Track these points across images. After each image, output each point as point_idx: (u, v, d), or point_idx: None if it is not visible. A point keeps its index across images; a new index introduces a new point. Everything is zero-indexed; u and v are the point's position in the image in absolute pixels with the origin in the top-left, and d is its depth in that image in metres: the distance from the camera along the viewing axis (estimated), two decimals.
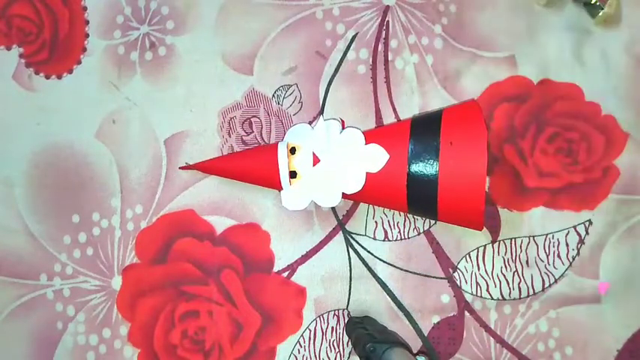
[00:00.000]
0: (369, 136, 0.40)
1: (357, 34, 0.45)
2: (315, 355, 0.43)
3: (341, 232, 0.44)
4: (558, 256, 0.43)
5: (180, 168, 0.45)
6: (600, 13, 0.43)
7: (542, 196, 0.43)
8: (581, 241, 0.43)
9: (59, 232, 0.45)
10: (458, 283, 0.43)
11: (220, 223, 0.44)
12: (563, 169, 0.44)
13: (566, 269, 0.43)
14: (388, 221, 0.44)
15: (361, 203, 0.44)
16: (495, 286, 0.43)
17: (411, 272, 0.44)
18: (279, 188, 0.41)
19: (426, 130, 0.39)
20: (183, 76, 0.46)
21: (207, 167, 0.43)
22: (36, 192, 0.45)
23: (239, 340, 0.44)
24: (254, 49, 0.45)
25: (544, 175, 0.44)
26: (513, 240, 0.43)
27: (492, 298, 0.43)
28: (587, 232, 0.43)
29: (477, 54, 0.45)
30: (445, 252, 0.44)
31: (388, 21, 0.45)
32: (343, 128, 0.42)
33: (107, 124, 0.46)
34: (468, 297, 0.43)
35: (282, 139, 0.43)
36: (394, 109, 0.45)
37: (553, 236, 0.43)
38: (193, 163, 0.44)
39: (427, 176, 0.37)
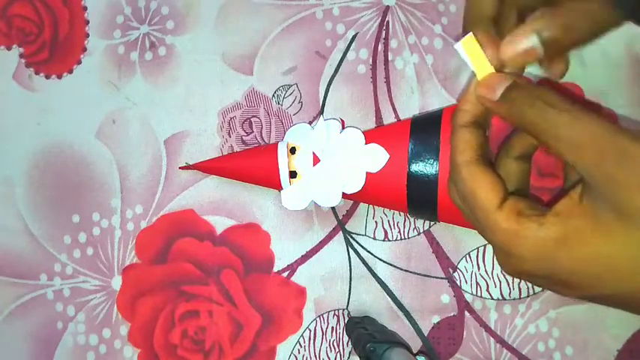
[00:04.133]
0: (369, 136, 0.40)
1: (357, 34, 0.45)
2: (315, 355, 0.43)
3: (341, 232, 0.44)
4: None
5: (180, 168, 0.45)
6: None
7: (542, 196, 0.43)
8: None
9: (59, 232, 0.45)
10: (458, 283, 0.43)
11: (220, 223, 0.45)
12: (563, 169, 0.43)
13: None
14: (388, 221, 0.44)
15: (361, 203, 0.44)
16: (495, 286, 0.43)
17: (411, 272, 0.44)
18: (279, 188, 0.41)
19: (426, 129, 0.39)
20: (183, 76, 0.46)
21: (207, 167, 0.43)
22: (36, 192, 0.45)
23: (239, 340, 0.44)
24: (254, 49, 0.45)
25: (544, 175, 0.44)
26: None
27: (492, 298, 0.43)
28: None
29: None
30: (445, 252, 0.44)
31: (388, 21, 0.45)
32: (343, 128, 0.42)
33: (107, 124, 0.46)
34: (468, 297, 0.43)
35: (282, 139, 0.43)
36: (394, 109, 0.45)
37: None
38: (193, 163, 0.44)
39: (427, 176, 0.37)
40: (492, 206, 0.27)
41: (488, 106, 0.28)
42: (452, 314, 0.43)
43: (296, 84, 0.45)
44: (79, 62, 0.46)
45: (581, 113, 0.25)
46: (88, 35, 0.46)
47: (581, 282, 0.25)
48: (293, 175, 0.41)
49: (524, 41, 0.27)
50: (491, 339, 0.43)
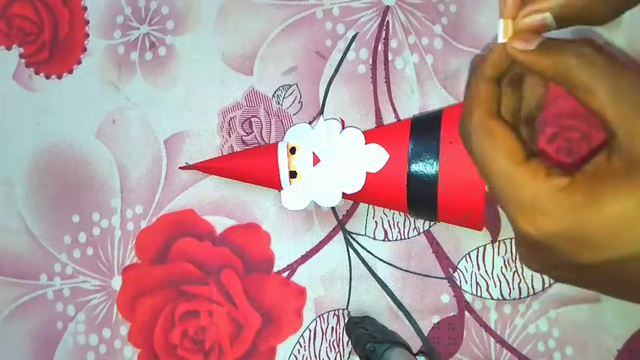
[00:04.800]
0: (369, 136, 0.40)
1: (357, 34, 0.45)
2: (315, 355, 0.43)
3: (341, 232, 0.44)
4: None
5: (180, 168, 0.45)
6: None
7: None
8: None
9: (59, 232, 0.45)
10: (458, 283, 0.43)
11: (220, 223, 0.45)
12: None
13: None
14: (388, 221, 0.44)
15: (361, 203, 0.44)
16: (495, 286, 0.43)
17: (411, 272, 0.44)
18: (279, 188, 0.41)
19: (426, 129, 0.39)
20: (184, 76, 0.46)
21: (207, 167, 0.43)
22: (36, 192, 0.46)
23: (239, 340, 0.44)
24: (254, 49, 0.45)
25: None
26: (513, 240, 0.43)
27: (492, 298, 0.43)
28: None
29: (477, 54, 0.45)
30: (445, 252, 0.44)
31: (388, 21, 0.45)
32: (343, 128, 0.42)
33: (107, 124, 0.46)
34: (468, 297, 0.43)
35: (282, 139, 0.43)
36: (394, 109, 0.45)
37: None
38: (193, 163, 0.44)
39: (427, 176, 0.38)
40: (517, 159, 0.27)
41: (522, 58, 0.28)
42: (452, 314, 0.43)
43: (296, 84, 0.45)
44: (79, 62, 0.46)
45: (619, 66, 0.25)
46: (88, 35, 0.46)
47: (601, 241, 0.25)
48: (293, 175, 0.41)
49: (539, 17, 0.28)
50: (491, 339, 0.43)
